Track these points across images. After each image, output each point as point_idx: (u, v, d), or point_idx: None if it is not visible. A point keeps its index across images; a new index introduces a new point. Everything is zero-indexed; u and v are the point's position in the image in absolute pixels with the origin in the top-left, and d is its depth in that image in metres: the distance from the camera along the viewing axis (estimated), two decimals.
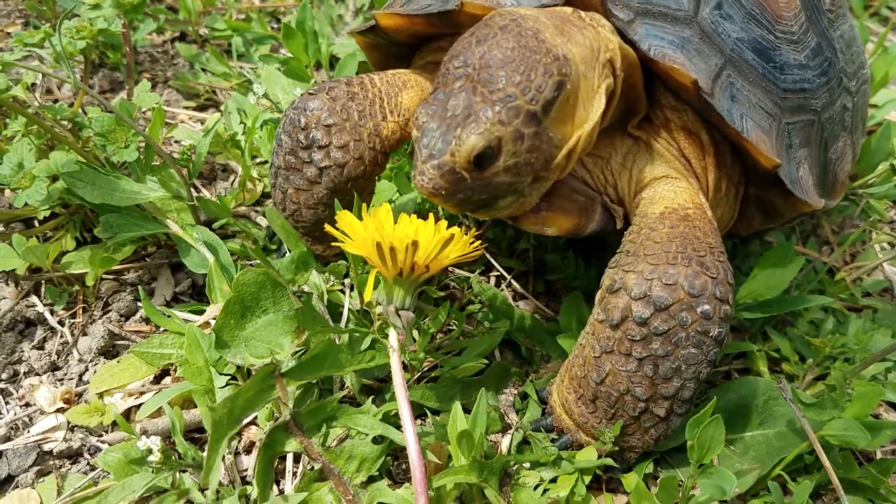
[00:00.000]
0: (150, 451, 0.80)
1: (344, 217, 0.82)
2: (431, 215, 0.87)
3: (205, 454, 0.86)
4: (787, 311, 1.07)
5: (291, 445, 0.80)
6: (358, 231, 0.81)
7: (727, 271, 0.81)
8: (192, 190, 1.07)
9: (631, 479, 0.89)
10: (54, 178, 1.03)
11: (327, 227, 0.82)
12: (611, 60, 0.84)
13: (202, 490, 0.81)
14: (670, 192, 0.90)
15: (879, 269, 1.28)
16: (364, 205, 0.90)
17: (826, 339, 1.03)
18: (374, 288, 0.84)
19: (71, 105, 1.23)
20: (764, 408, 0.92)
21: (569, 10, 0.87)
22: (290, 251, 0.94)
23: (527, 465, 0.88)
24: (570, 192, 0.94)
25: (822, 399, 0.86)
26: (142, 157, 1.05)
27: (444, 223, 0.86)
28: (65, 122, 1.10)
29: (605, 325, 0.81)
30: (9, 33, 1.56)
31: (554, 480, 0.87)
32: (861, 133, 1.18)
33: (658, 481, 0.85)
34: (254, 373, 0.87)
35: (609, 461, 0.87)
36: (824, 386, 0.98)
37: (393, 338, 0.82)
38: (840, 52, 1.05)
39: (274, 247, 1.07)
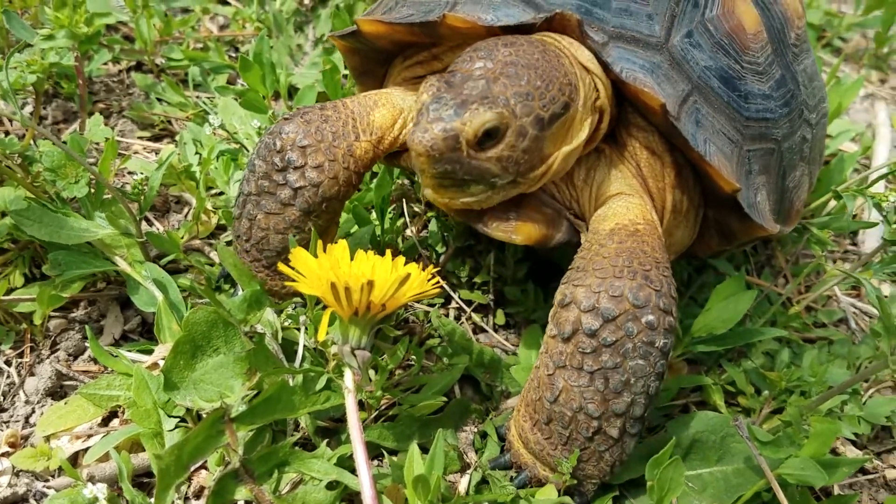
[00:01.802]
0: (96, 500, 0.77)
1: (298, 254, 0.81)
2: (389, 251, 0.86)
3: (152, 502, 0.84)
4: (741, 343, 1.07)
5: (242, 493, 0.78)
6: (312, 269, 0.80)
7: (671, 285, 0.84)
8: (144, 224, 1.05)
9: None
10: (2, 214, 1.00)
11: (280, 266, 0.81)
12: (595, 100, 0.91)
13: None
14: (623, 208, 0.93)
15: (834, 300, 1.29)
16: (320, 241, 0.88)
17: (782, 372, 1.04)
18: (329, 326, 0.82)
19: (22, 137, 1.21)
20: (721, 444, 0.92)
21: (565, 41, 0.91)
22: (242, 289, 0.93)
23: None
24: (538, 204, 0.97)
25: (779, 436, 0.86)
26: (92, 191, 1.03)
27: (401, 259, 0.85)
28: (14, 156, 1.08)
29: (558, 340, 0.83)
30: None
31: None
32: (819, 164, 1.20)
33: None
34: (203, 417, 0.85)
35: (567, 499, 0.86)
36: (780, 421, 0.98)
37: (348, 378, 0.81)
38: (803, 85, 1.08)
39: (227, 286, 1.05)
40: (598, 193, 0.97)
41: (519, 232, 0.94)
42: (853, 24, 2.11)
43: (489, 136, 0.81)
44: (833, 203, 1.34)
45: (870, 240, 1.44)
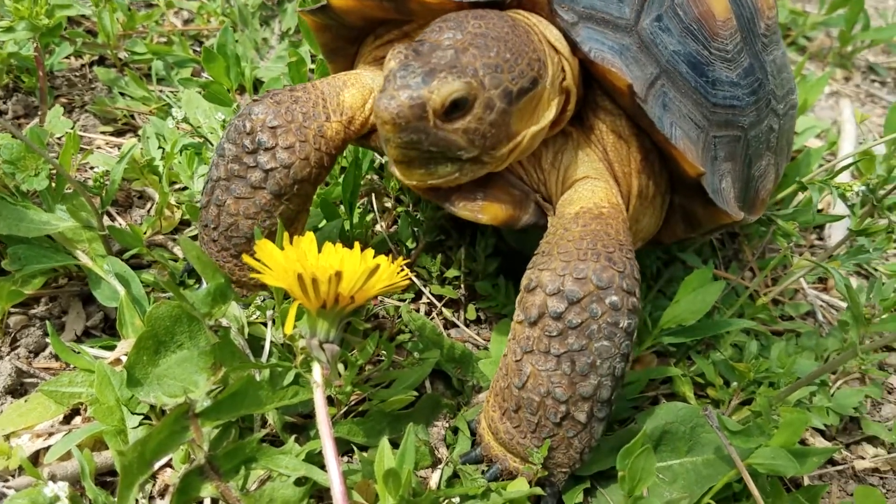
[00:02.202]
0: (57, 499, 0.75)
1: (264, 246, 0.79)
2: (357, 244, 0.85)
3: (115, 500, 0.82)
4: (709, 334, 1.08)
5: (207, 490, 0.76)
6: (279, 261, 0.78)
7: (633, 267, 0.84)
8: (106, 218, 1.02)
9: None
10: None
11: (245, 258, 0.79)
12: (562, 81, 0.91)
13: None
14: (588, 191, 0.94)
15: (801, 293, 1.30)
16: (286, 233, 0.87)
17: (750, 363, 1.04)
18: (297, 320, 0.81)
19: None
20: (691, 435, 0.92)
21: (533, 18, 0.91)
22: (206, 283, 0.91)
23: (456, 499, 0.86)
24: (506, 185, 0.97)
25: (749, 426, 0.86)
26: (53, 185, 1.00)
27: (370, 252, 0.84)
28: None
29: (525, 325, 0.84)
30: None
31: None
32: (786, 156, 1.21)
33: None
34: (167, 413, 0.83)
35: (538, 490, 0.86)
36: (750, 412, 0.98)
37: (317, 372, 0.79)
38: (771, 75, 1.09)
39: (192, 281, 1.03)
40: (565, 177, 0.98)
41: (485, 211, 0.94)
42: (818, 22, 2.14)
43: (457, 107, 0.79)
44: (800, 197, 1.35)
45: (836, 234, 1.45)
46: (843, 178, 1.42)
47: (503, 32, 0.83)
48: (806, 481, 0.99)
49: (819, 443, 1.07)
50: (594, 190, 0.94)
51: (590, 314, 0.80)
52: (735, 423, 0.88)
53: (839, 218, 1.22)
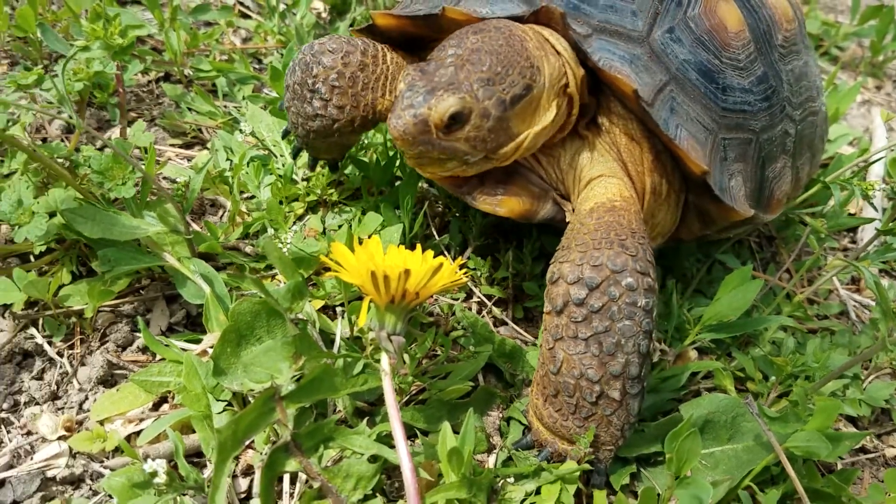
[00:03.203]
0: (155, 474, 0.83)
1: (338, 249, 0.87)
2: (419, 245, 0.93)
3: (207, 474, 0.91)
4: (749, 330, 1.14)
5: (291, 465, 0.83)
6: (350, 261, 0.86)
7: (646, 251, 0.91)
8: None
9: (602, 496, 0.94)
10: (52, 214, 1.07)
11: (323, 259, 0.87)
12: (565, 85, 0.99)
13: None
14: (602, 188, 1.01)
15: (835, 293, 1.36)
16: (356, 236, 0.95)
17: (787, 358, 1.10)
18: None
19: (61, 142, 1.28)
20: (732, 424, 0.98)
21: (546, 31, 1.00)
22: (286, 281, 0.99)
23: (511, 479, 0.93)
24: (525, 182, 1.07)
25: (786, 413, 0.92)
26: (138, 193, 1.10)
27: (430, 253, 0.92)
28: (61, 161, 1.14)
29: (553, 314, 0.91)
30: None
31: (538, 492, 0.92)
32: (808, 160, 1.27)
33: (640, 492, 0.90)
34: (253, 397, 0.92)
35: (587, 466, 0.92)
36: (787, 402, 1.04)
37: (385, 362, 0.87)
38: (787, 83, 1.15)
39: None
40: (581, 176, 1.05)
41: (503, 205, 1.03)
42: (849, 33, 2.18)
43: (455, 120, 0.89)
44: (833, 202, 1.41)
45: (867, 237, 1.50)
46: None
47: (497, 45, 0.91)
48: (839, 466, 1.05)
49: (852, 430, 1.12)
50: (608, 186, 1.01)
51: (609, 297, 0.87)
52: (773, 411, 0.94)
53: (870, 220, 1.28)
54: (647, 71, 0.99)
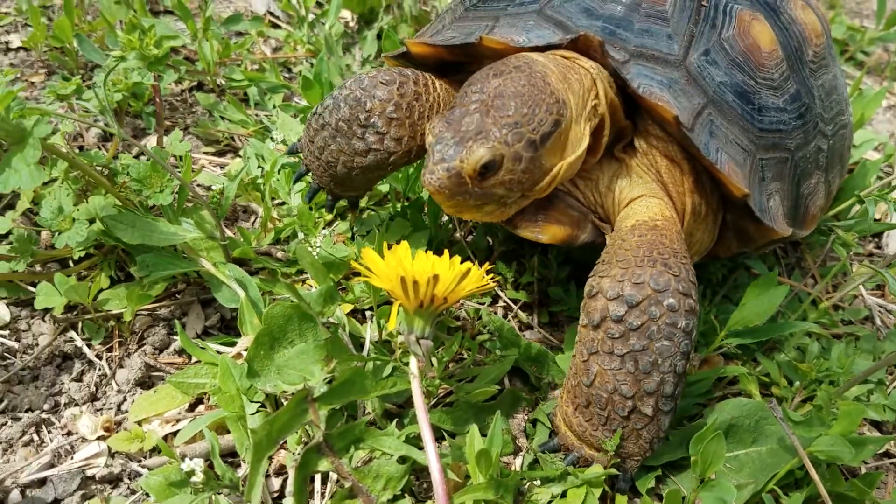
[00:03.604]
0: (193, 473, 0.86)
1: (368, 254, 0.90)
2: (446, 251, 0.95)
3: (241, 473, 0.94)
4: (774, 335, 1.14)
5: (323, 465, 0.86)
6: (380, 267, 0.88)
7: (689, 271, 0.91)
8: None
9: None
10: (91, 221, 1.10)
11: (354, 265, 0.90)
12: (595, 106, 0.98)
13: None
14: (643, 208, 1.02)
15: (860, 299, 1.36)
16: (385, 241, 0.97)
17: (812, 363, 1.11)
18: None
19: (99, 150, 1.32)
20: (756, 427, 0.99)
21: (570, 55, 1.00)
22: (317, 286, 1.02)
23: (538, 481, 0.95)
24: (564, 207, 1.06)
25: (810, 418, 0.93)
26: (175, 200, 1.13)
27: (457, 258, 0.94)
28: (99, 168, 1.18)
29: (589, 328, 0.91)
30: (33, 83, 1.64)
31: (564, 496, 0.94)
32: (838, 173, 1.27)
33: (665, 494, 0.91)
34: (286, 399, 0.94)
35: (613, 471, 0.94)
36: (811, 406, 1.05)
37: (413, 365, 0.89)
38: (819, 99, 1.16)
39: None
40: (621, 198, 1.05)
41: (545, 232, 1.03)
42: (875, 38, 2.18)
43: (488, 168, 0.87)
44: (858, 208, 1.41)
45: (893, 243, 1.51)
46: None
47: (520, 86, 0.90)
48: (863, 470, 1.05)
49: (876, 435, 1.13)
50: (649, 206, 1.01)
51: (649, 316, 0.87)
52: (797, 414, 0.95)
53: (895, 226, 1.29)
54: (685, 95, 0.99)
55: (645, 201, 1.03)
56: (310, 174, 1.18)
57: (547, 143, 0.90)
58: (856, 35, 2.21)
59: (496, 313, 1.23)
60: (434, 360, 1.04)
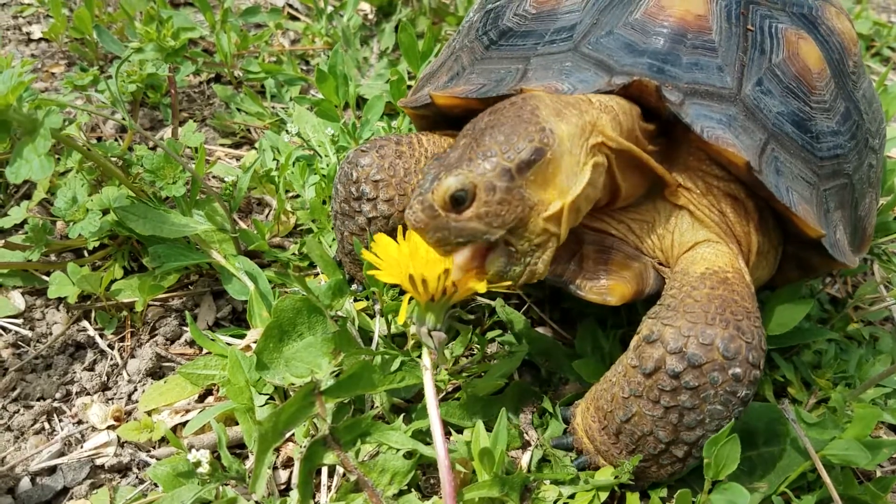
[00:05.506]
0: (199, 464, 0.86)
1: (380, 241, 0.88)
2: None
3: (248, 465, 0.94)
4: (795, 343, 1.13)
5: (329, 458, 0.86)
6: (392, 256, 0.87)
7: (761, 337, 0.85)
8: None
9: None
10: (105, 212, 1.11)
11: (364, 253, 0.89)
12: (603, 143, 0.88)
13: (247, 500, 0.87)
14: (711, 254, 0.94)
15: (879, 299, 1.34)
16: (400, 227, 0.96)
17: (828, 364, 1.09)
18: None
19: (115, 141, 1.32)
20: (768, 429, 0.97)
21: (583, 98, 0.91)
22: (326, 279, 1.02)
23: (546, 481, 0.94)
24: (624, 258, 1.00)
25: (824, 420, 0.92)
26: (187, 192, 1.13)
27: None
28: (114, 159, 1.19)
29: (638, 371, 0.86)
30: (53, 73, 1.66)
31: (572, 497, 0.93)
32: (880, 182, 1.21)
33: (676, 495, 0.90)
34: (294, 391, 0.94)
35: (624, 479, 0.93)
36: (826, 408, 1.04)
37: (426, 357, 0.89)
38: (864, 112, 1.09)
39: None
40: (682, 241, 0.98)
41: (613, 293, 0.97)
42: None
43: (459, 200, 0.80)
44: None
45: None
46: None
47: (504, 118, 0.83)
48: (878, 473, 1.04)
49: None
50: (717, 253, 0.94)
51: (709, 380, 0.82)
52: (811, 416, 0.94)
53: None
54: (746, 132, 0.92)
55: (712, 247, 0.96)
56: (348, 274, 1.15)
57: (526, 172, 0.81)
58: (882, 30, 2.17)
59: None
60: (447, 352, 1.03)
